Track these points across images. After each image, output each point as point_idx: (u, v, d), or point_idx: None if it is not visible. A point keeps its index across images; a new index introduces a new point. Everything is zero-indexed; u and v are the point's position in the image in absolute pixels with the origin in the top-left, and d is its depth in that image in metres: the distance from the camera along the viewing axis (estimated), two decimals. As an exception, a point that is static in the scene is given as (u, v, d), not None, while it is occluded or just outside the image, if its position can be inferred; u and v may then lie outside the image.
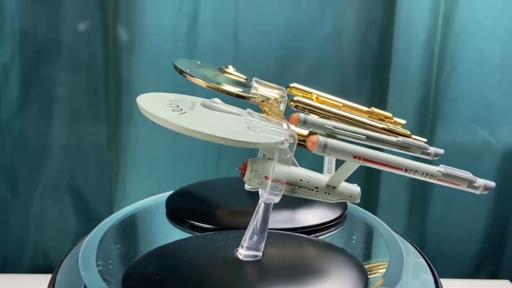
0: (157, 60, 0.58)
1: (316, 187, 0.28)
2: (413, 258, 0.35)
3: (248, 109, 0.28)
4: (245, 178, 0.26)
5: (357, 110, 0.37)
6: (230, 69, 0.39)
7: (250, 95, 0.35)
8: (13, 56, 0.59)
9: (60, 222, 0.64)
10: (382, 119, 0.37)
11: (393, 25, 0.58)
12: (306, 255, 0.30)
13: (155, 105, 0.24)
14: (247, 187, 0.40)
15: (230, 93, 0.33)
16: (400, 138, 0.28)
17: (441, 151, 0.31)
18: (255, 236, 0.27)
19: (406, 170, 0.26)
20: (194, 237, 0.33)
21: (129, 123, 0.60)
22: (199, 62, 0.39)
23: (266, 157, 0.27)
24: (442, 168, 0.27)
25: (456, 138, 0.62)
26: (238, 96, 0.33)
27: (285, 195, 0.27)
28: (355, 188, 0.29)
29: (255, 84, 0.37)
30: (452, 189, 0.66)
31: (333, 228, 0.37)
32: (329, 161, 0.32)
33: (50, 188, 0.63)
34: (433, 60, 0.59)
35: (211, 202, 0.39)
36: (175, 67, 0.35)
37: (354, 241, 0.37)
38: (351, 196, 0.29)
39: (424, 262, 0.34)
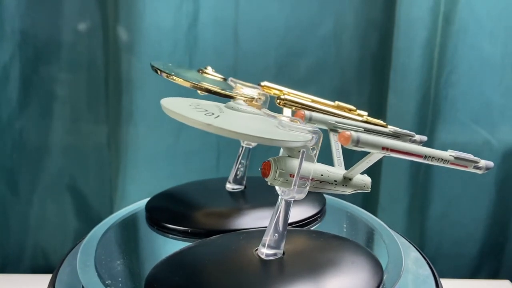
0: (157, 60, 0.58)
1: (335, 180, 0.28)
2: (413, 258, 0.35)
3: (263, 109, 0.28)
4: (269, 178, 0.26)
5: (327, 105, 0.38)
6: (209, 69, 0.39)
7: (239, 95, 0.35)
8: (13, 56, 0.59)
9: (60, 222, 0.64)
10: (346, 111, 0.38)
11: (393, 25, 0.58)
12: (321, 248, 0.30)
13: (184, 109, 0.24)
14: (228, 187, 0.40)
15: (218, 93, 0.33)
16: (392, 128, 0.29)
17: (425, 138, 0.32)
18: (276, 235, 0.28)
19: (425, 157, 0.27)
20: (204, 242, 0.32)
21: (129, 123, 0.60)
22: (170, 64, 0.39)
23: (287, 155, 0.27)
24: (452, 152, 0.28)
25: (456, 138, 0.62)
26: (226, 96, 0.33)
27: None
28: (367, 178, 0.30)
29: (234, 84, 0.37)
30: (452, 189, 0.67)
31: (318, 221, 0.38)
32: (337, 154, 0.32)
33: (50, 188, 0.63)
34: (433, 60, 0.59)
35: (191, 204, 0.38)
36: (152, 66, 0.35)
37: (345, 229, 0.38)
38: (364, 186, 0.30)
39: (424, 262, 0.34)
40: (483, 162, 0.29)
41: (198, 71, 0.39)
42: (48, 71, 0.60)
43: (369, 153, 0.28)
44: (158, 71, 0.34)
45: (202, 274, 0.27)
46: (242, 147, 0.40)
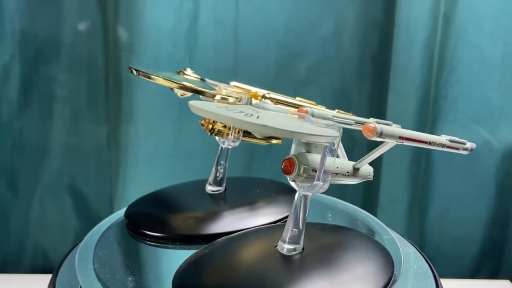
0: (157, 60, 0.58)
1: (348, 172, 0.29)
2: (413, 258, 0.35)
3: (279, 106, 0.29)
4: (293, 174, 0.27)
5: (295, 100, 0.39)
6: (188, 71, 0.38)
7: (224, 95, 0.35)
8: (13, 56, 0.59)
9: (60, 222, 0.65)
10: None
11: (393, 25, 0.58)
12: (333, 238, 0.31)
13: (227, 112, 0.24)
14: (208, 189, 0.39)
15: (211, 95, 0.34)
16: (372, 119, 0.31)
17: (399, 126, 0.34)
18: (295, 230, 0.28)
19: (429, 143, 0.29)
20: (216, 246, 0.31)
21: (129, 123, 0.60)
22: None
23: (304, 151, 0.28)
24: (447, 137, 0.30)
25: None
26: (208, 95, 0.34)
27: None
28: (370, 167, 0.31)
29: (212, 84, 0.38)
30: (452, 189, 0.66)
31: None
32: (340, 147, 0.33)
33: (50, 188, 0.63)
34: (433, 60, 0.59)
35: (173, 210, 0.37)
36: (129, 68, 0.34)
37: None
38: (369, 175, 0.31)
39: (424, 262, 0.34)
40: (468, 144, 0.31)
41: (178, 73, 0.39)
42: (48, 71, 0.60)
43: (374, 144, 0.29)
44: (135, 72, 0.33)
45: (233, 275, 0.27)
46: (221, 148, 0.40)
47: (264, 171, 0.64)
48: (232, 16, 0.59)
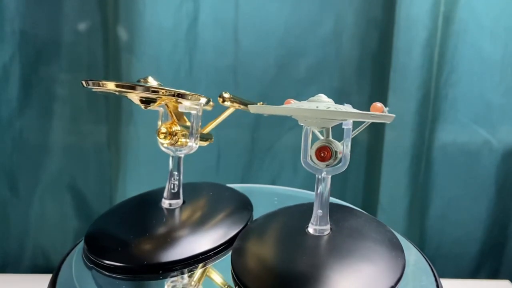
0: (157, 60, 0.58)
1: None
2: (413, 258, 0.35)
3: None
4: (330, 160, 0.29)
5: None
6: (150, 79, 0.36)
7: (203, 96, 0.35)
8: (13, 56, 0.59)
9: (60, 222, 0.65)
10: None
11: (393, 25, 0.58)
12: (352, 219, 0.34)
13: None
14: (166, 203, 0.37)
15: (196, 98, 0.34)
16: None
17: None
18: (321, 211, 0.31)
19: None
20: (254, 226, 0.33)
21: (129, 123, 0.60)
22: None
23: (326, 137, 0.30)
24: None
25: (456, 138, 0.62)
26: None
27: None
28: None
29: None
30: (452, 189, 0.66)
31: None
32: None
33: (50, 188, 0.63)
34: (433, 60, 0.59)
35: (130, 235, 0.34)
36: (85, 82, 0.32)
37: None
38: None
39: (424, 262, 0.34)
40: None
41: (138, 81, 0.36)
42: (48, 71, 0.60)
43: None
44: (84, 83, 0.31)
45: (276, 262, 0.29)
46: (172, 157, 0.37)
47: (264, 171, 0.64)
48: (232, 16, 0.59)
